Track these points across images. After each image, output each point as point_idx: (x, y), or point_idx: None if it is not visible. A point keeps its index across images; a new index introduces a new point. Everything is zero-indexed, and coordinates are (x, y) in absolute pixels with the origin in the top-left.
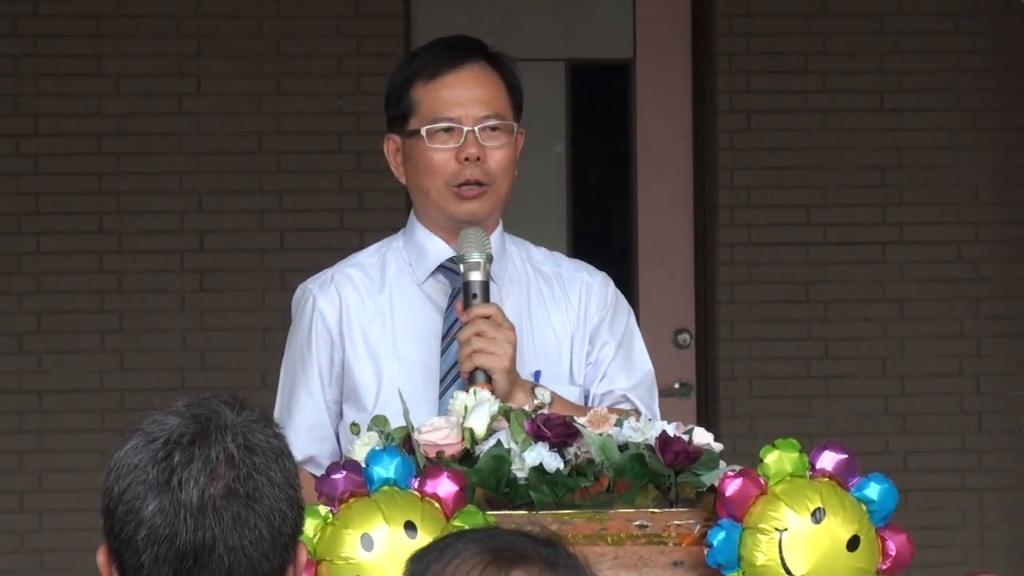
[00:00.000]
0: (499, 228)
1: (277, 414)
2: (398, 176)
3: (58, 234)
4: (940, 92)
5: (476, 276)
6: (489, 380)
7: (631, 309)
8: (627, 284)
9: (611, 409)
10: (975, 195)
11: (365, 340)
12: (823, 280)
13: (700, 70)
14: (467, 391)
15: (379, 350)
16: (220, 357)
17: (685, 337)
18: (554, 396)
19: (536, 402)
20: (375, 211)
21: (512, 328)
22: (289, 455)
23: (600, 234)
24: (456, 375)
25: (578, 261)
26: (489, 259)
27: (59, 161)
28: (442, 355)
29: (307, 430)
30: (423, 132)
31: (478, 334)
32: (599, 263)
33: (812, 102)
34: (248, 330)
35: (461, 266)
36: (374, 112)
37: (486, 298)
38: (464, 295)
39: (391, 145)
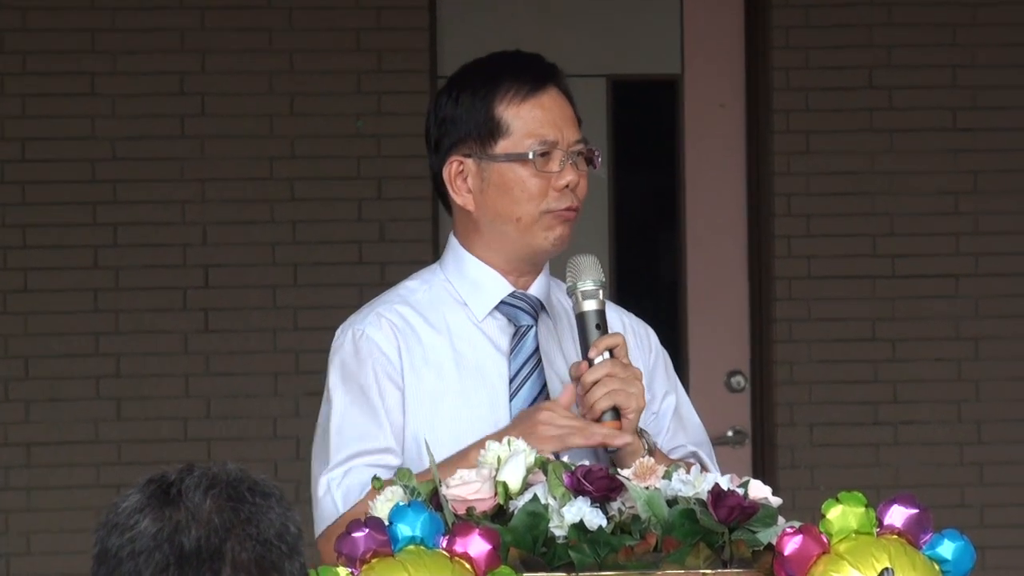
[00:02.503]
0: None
1: (324, 456)
2: (462, 203)
3: (48, 270)
4: (1018, 110)
5: (592, 305)
6: (618, 418)
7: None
8: (675, 322)
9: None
10: None
11: (427, 386)
12: (891, 317)
13: (754, 86)
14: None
15: (443, 398)
16: (227, 405)
17: (739, 380)
18: (655, 444)
19: (646, 448)
20: (398, 243)
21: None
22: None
23: (645, 267)
24: None
25: (608, 301)
26: (604, 287)
27: (49, 190)
28: (511, 401)
29: (382, 453)
30: (531, 155)
31: (609, 375)
32: (644, 299)
33: (877, 121)
34: (258, 375)
35: (577, 295)
36: (396, 134)
37: (607, 329)
38: (580, 328)
39: (455, 168)
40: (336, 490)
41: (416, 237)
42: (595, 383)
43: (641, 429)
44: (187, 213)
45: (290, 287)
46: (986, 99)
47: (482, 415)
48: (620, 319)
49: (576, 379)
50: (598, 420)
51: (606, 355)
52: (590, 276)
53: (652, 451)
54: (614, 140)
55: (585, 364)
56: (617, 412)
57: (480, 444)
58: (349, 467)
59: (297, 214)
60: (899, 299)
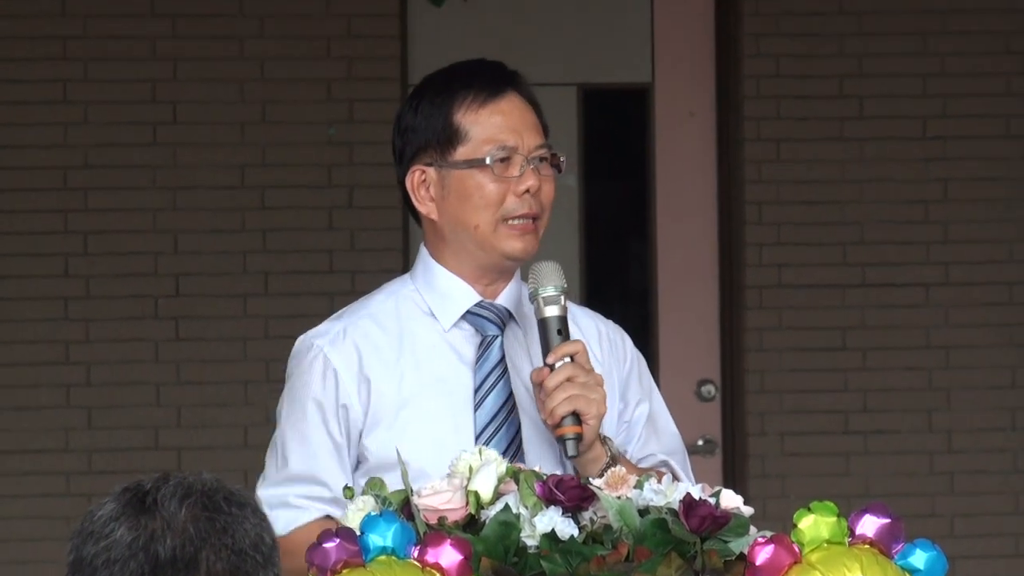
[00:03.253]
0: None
1: (267, 484)
2: (425, 212)
3: (18, 278)
4: (989, 118)
5: (554, 311)
6: (579, 423)
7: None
8: (645, 331)
9: (655, 472)
10: None
11: (388, 401)
12: (861, 326)
13: (725, 95)
14: (557, 437)
15: (404, 411)
16: (198, 413)
17: (709, 389)
18: (620, 453)
19: (609, 455)
20: (369, 252)
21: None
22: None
23: (616, 276)
24: (493, 433)
25: (585, 308)
26: (565, 292)
27: (20, 197)
28: (475, 412)
29: (319, 485)
30: (488, 160)
31: (569, 379)
32: (615, 307)
33: (848, 130)
34: (229, 383)
35: (539, 300)
36: (368, 142)
37: (568, 335)
38: (542, 333)
39: (416, 177)
40: (267, 509)
41: (387, 246)
42: (555, 388)
43: (605, 436)
44: (158, 221)
45: (261, 296)
46: (956, 108)
47: (445, 427)
48: (596, 326)
49: (537, 384)
50: (558, 425)
51: (567, 360)
52: (551, 282)
53: (616, 458)
54: (585, 148)
55: (547, 370)
56: (578, 417)
57: None
58: (281, 494)
59: (268, 223)
60: (869, 308)
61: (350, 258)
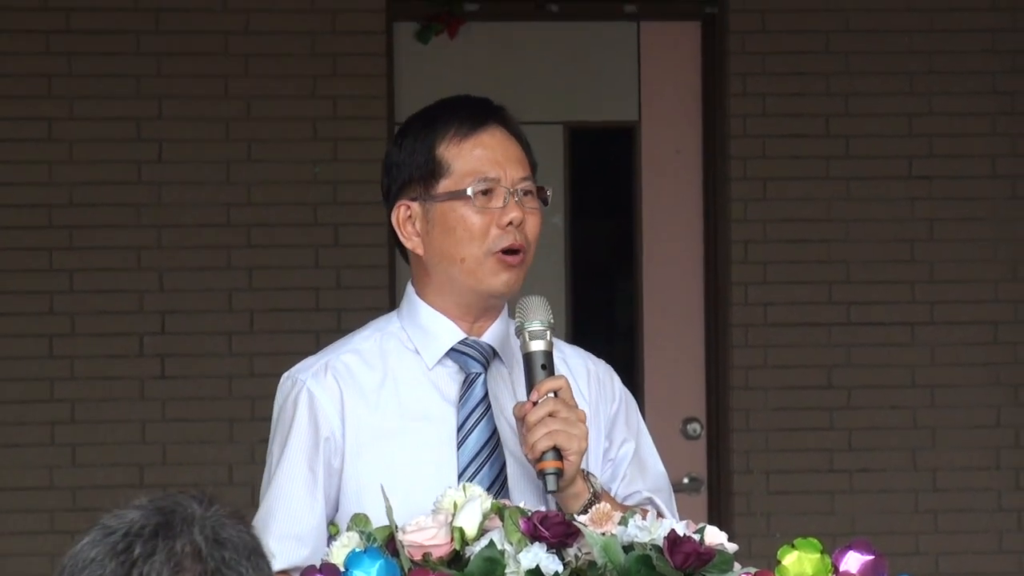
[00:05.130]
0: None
1: (259, 522)
2: (411, 247)
3: (3, 315)
4: (975, 158)
5: (540, 346)
6: (560, 459)
7: (636, 403)
8: (631, 368)
9: (639, 509)
10: (1013, 271)
11: (369, 437)
12: (847, 364)
13: (711, 134)
14: (538, 472)
15: (386, 447)
16: (183, 451)
17: (695, 427)
18: (603, 489)
19: (591, 491)
20: (354, 290)
21: (578, 407)
22: (263, 554)
23: (602, 313)
24: (476, 471)
25: (576, 347)
26: (551, 327)
27: (4, 236)
28: (459, 449)
29: (295, 539)
30: (470, 192)
31: (551, 415)
32: (601, 345)
33: (834, 168)
34: (214, 421)
35: (524, 335)
36: (353, 180)
37: (552, 370)
38: (526, 368)
39: (402, 213)
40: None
41: (373, 284)
42: (537, 423)
43: (587, 472)
44: (143, 259)
45: (246, 334)
46: (942, 147)
47: (427, 465)
48: (585, 364)
49: (520, 419)
50: (539, 460)
51: (550, 396)
52: (538, 316)
53: (598, 495)
54: (571, 187)
55: (529, 404)
56: (559, 452)
57: None
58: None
59: (254, 261)
60: (855, 346)
61: (336, 296)
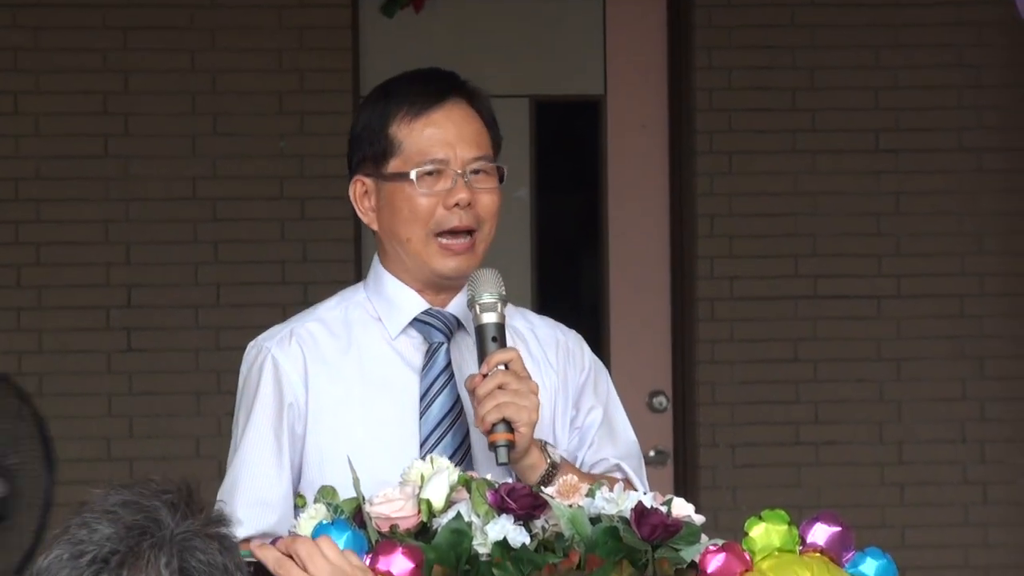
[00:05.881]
0: None
1: (225, 490)
2: (367, 222)
3: None
4: (941, 131)
5: (491, 318)
6: (511, 431)
7: (607, 372)
8: (597, 342)
9: (606, 478)
10: (979, 244)
11: (332, 403)
12: (813, 337)
13: (677, 107)
14: (490, 444)
15: (348, 415)
16: (150, 424)
17: (661, 400)
18: (563, 459)
19: (548, 461)
20: (320, 263)
21: (531, 378)
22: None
23: (568, 288)
24: (438, 440)
25: (546, 317)
26: (503, 300)
27: None
28: (421, 418)
29: (262, 504)
30: (413, 175)
31: (501, 387)
32: (567, 319)
33: (800, 142)
34: (181, 394)
35: (476, 308)
36: (319, 154)
37: (504, 342)
38: (478, 340)
39: (358, 188)
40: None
41: (339, 257)
42: (486, 395)
43: (545, 443)
44: (110, 233)
45: (212, 307)
46: (908, 121)
47: (390, 432)
48: (555, 335)
49: (471, 391)
50: (489, 432)
51: (501, 368)
52: (488, 289)
53: (556, 465)
54: (537, 160)
55: (479, 377)
56: (510, 425)
57: None
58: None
59: (220, 234)
60: (821, 320)
61: (302, 269)
